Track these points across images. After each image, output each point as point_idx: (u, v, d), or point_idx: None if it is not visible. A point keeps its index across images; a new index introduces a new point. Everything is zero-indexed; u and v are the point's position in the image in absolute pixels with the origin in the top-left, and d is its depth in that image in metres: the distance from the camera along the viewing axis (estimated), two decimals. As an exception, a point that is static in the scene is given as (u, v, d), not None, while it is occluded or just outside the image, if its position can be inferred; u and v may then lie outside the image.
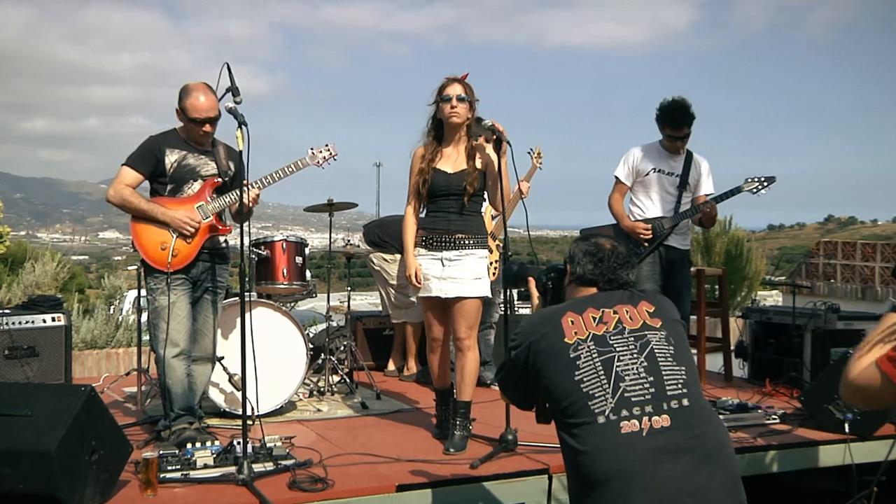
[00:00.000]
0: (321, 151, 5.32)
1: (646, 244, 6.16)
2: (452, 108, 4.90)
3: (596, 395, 2.72)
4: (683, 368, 2.82)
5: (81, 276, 17.29)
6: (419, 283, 4.97)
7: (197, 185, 5.00)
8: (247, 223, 4.56)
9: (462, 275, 4.92)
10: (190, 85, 4.93)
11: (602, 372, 2.76)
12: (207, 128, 4.93)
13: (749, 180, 6.09)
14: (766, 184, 6.05)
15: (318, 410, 5.94)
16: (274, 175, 5.12)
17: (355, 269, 7.24)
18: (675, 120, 6.11)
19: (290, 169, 5.21)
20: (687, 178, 6.20)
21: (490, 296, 5.14)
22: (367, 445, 4.95)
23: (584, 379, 2.76)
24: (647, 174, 6.19)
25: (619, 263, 3.06)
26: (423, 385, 6.84)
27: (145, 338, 6.20)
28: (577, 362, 2.79)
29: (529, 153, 6.69)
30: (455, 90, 4.92)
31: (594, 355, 2.79)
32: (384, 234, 7.16)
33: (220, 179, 5.05)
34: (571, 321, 2.88)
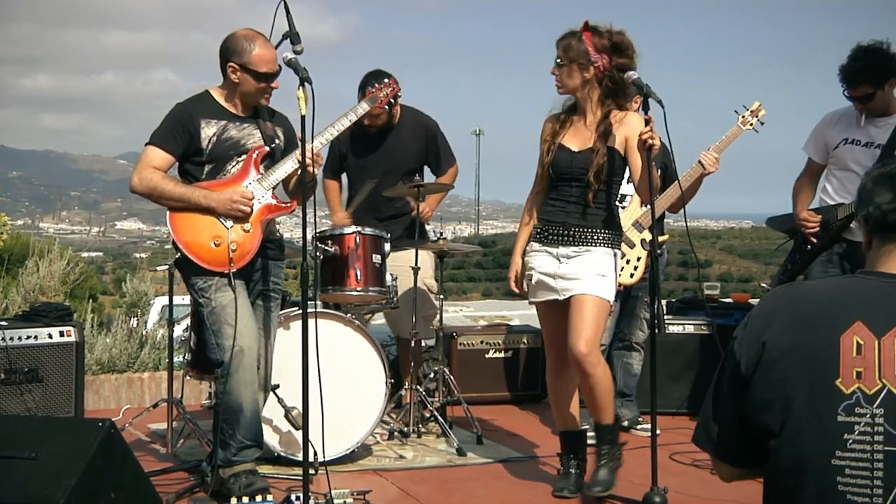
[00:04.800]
0: (380, 89, 5.49)
1: (813, 240, 6.04)
2: (553, 74, 5.15)
3: (854, 501, 2.12)
4: None
5: (94, 279, 17.76)
6: (518, 289, 5.28)
7: (242, 162, 5.11)
8: (310, 206, 4.62)
9: (582, 272, 5.05)
10: (243, 33, 5.05)
11: (881, 473, 2.10)
12: (276, 83, 5.09)
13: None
14: None
15: (401, 457, 6.00)
16: (332, 129, 5.27)
17: (449, 272, 7.25)
18: (848, 73, 5.93)
19: (350, 117, 5.36)
20: (893, 148, 5.91)
21: (610, 300, 5.18)
22: (467, 505, 4.96)
23: (847, 470, 2.12)
24: (837, 147, 6.04)
25: None
26: (543, 423, 6.85)
27: (177, 359, 6.32)
28: (847, 435, 2.13)
29: (738, 112, 6.48)
30: (557, 54, 5.13)
31: (878, 439, 2.11)
32: None
33: (267, 147, 5.16)
34: (859, 342, 2.16)
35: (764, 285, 6.50)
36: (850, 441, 2.10)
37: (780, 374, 2.18)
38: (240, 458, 4.99)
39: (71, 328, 6.30)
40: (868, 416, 2.10)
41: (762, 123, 6.38)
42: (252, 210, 5.02)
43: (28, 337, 6.14)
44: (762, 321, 2.27)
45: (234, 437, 4.99)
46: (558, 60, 5.09)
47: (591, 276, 5.04)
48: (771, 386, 2.19)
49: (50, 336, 6.21)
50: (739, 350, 2.28)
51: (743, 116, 6.37)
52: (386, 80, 5.49)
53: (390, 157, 6.86)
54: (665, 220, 6.52)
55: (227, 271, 4.93)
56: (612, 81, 5.00)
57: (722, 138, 6.35)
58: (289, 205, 5.16)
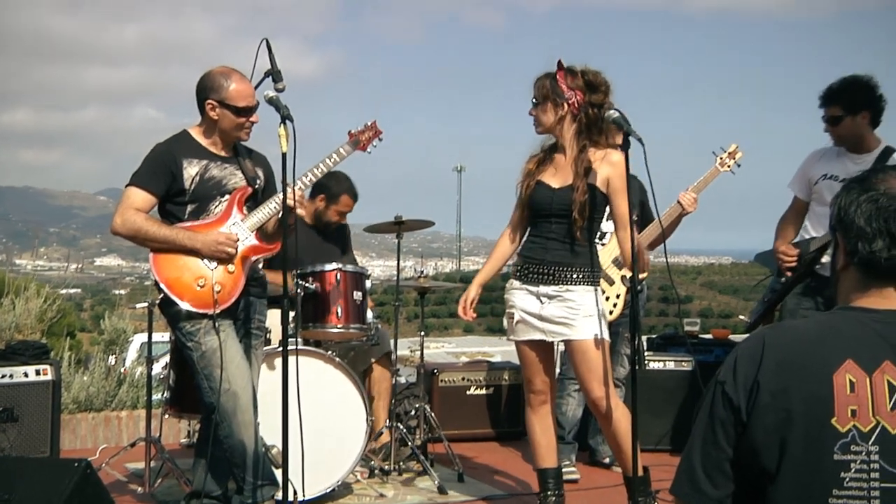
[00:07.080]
0: (363, 132, 5.50)
1: (788, 273, 6.07)
2: (531, 114, 5.23)
3: None
4: None
5: (72, 315, 17.66)
6: (466, 315, 5.40)
7: (226, 203, 5.10)
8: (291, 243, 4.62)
9: (567, 313, 5.06)
10: (218, 70, 5.04)
11: None
12: (256, 117, 5.07)
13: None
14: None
15: (382, 496, 5.98)
16: (315, 171, 5.29)
17: (430, 308, 7.24)
18: (825, 92, 5.98)
19: (333, 160, 5.39)
20: None
21: (607, 338, 5.16)
22: (448, 544, 4.94)
23: None
24: (817, 182, 6.07)
25: None
26: (525, 460, 6.83)
27: (156, 397, 6.28)
28: (843, 473, 2.10)
29: (715, 154, 6.43)
30: (533, 94, 5.22)
31: (874, 476, 2.09)
32: None
33: (251, 188, 5.16)
34: (851, 380, 2.12)
35: (743, 317, 6.51)
36: (847, 479, 2.07)
37: (775, 416, 2.12)
38: (256, 499, 4.96)
39: (47, 367, 6.28)
40: (864, 453, 2.07)
41: (739, 165, 6.42)
42: (237, 251, 5.00)
43: (3, 376, 6.12)
44: (751, 364, 2.19)
45: (245, 479, 4.96)
46: (534, 100, 5.17)
47: (579, 319, 5.05)
48: (766, 429, 2.13)
49: (26, 375, 6.20)
50: (735, 395, 2.19)
51: (721, 158, 6.40)
52: (368, 124, 5.49)
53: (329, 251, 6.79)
54: (645, 257, 6.52)
55: (211, 312, 4.90)
56: (587, 117, 5.05)
57: (700, 179, 6.38)
58: (273, 245, 5.14)
